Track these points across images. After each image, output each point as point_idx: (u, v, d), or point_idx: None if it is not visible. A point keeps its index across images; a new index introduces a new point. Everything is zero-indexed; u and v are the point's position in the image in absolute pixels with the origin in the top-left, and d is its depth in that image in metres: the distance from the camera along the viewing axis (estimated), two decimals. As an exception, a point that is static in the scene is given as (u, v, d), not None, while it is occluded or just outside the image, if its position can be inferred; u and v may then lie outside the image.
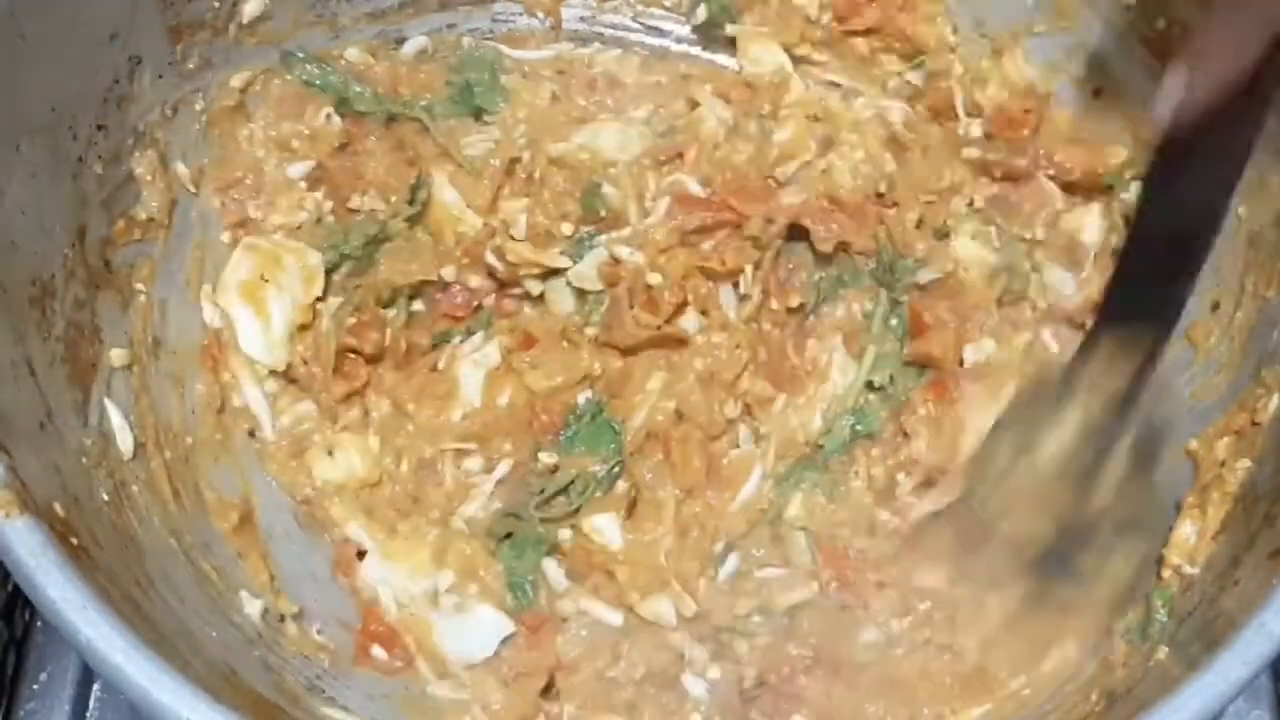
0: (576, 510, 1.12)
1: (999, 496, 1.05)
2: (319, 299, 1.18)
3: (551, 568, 1.11)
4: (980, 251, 1.21)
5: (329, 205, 1.22)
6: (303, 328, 1.17)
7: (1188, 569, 1.01)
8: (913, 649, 1.09)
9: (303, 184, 1.22)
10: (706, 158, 1.22)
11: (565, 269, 1.18)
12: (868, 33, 1.27)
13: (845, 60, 1.29)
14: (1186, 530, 1.03)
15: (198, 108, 1.16)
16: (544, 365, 1.17)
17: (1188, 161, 0.88)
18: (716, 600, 1.10)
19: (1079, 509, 1.02)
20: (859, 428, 1.16)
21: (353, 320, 1.16)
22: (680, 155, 1.22)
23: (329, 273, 1.18)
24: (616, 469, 1.13)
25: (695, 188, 1.20)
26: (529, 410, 1.16)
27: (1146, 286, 0.96)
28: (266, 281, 1.16)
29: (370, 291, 1.18)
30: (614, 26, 1.32)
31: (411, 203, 1.20)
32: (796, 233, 1.19)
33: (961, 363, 1.16)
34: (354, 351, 1.17)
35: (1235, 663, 0.80)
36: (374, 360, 1.18)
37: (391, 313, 1.19)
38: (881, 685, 1.07)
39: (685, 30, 1.32)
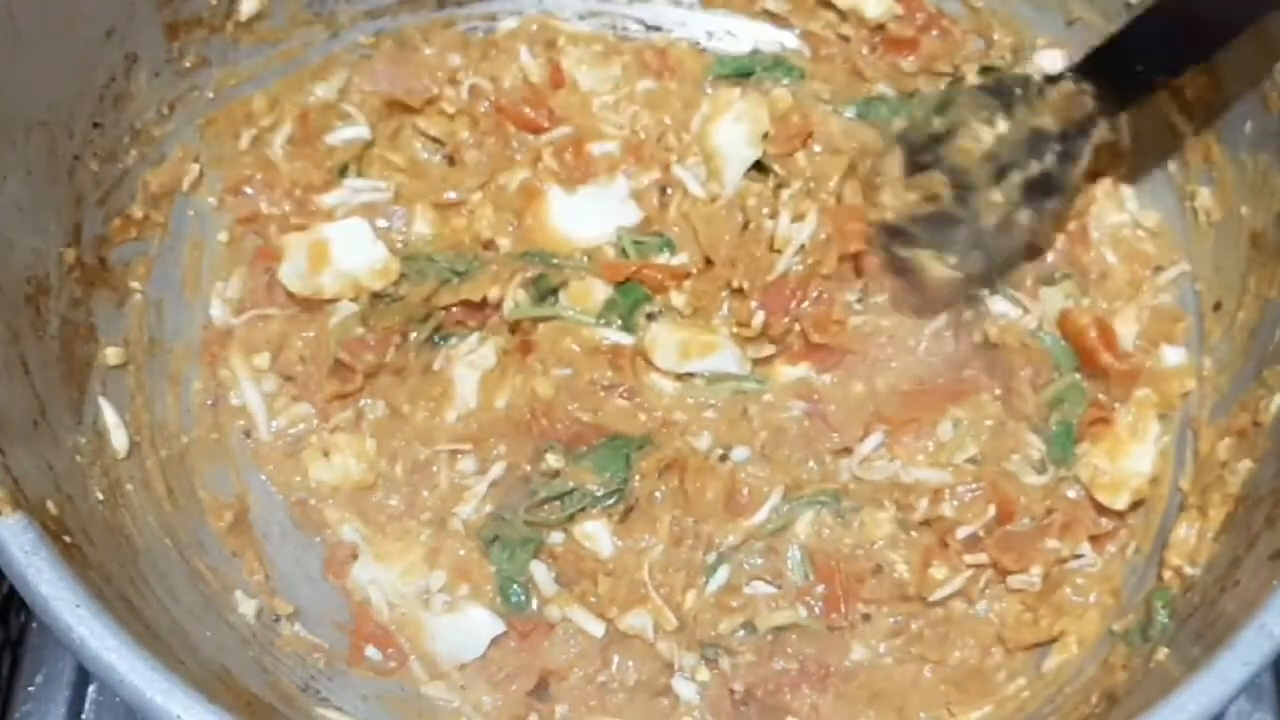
0: (570, 519, 1.11)
1: None
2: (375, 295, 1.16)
3: (541, 571, 1.10)
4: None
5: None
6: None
7: (1188, 570, 1.00)
8: (903, 660, 1.08)
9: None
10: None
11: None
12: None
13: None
14: (1187, 531, 1.02)
15: (195, 106, 1.16)
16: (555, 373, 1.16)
17: None
18: (700, 616, 1.08)
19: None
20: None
21: (360, 331, 1.15)
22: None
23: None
24: (613, 498, 1.11)
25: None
26: (528, 414, 1.15)
27: (1134, 60, 1.03)
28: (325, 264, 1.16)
29: (406, 308, 1.16)
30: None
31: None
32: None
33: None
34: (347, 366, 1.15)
35: (1235, 664, 0.80)
36: (370, 376, 1.16)
37: (415, 330, 1.17)
38: (871, 694, 1.07)
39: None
